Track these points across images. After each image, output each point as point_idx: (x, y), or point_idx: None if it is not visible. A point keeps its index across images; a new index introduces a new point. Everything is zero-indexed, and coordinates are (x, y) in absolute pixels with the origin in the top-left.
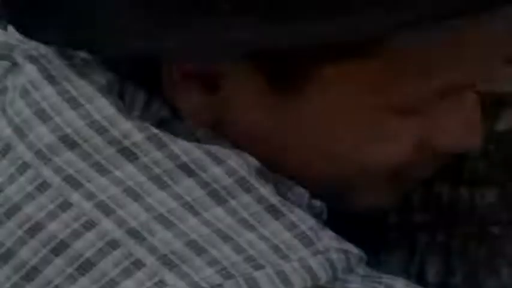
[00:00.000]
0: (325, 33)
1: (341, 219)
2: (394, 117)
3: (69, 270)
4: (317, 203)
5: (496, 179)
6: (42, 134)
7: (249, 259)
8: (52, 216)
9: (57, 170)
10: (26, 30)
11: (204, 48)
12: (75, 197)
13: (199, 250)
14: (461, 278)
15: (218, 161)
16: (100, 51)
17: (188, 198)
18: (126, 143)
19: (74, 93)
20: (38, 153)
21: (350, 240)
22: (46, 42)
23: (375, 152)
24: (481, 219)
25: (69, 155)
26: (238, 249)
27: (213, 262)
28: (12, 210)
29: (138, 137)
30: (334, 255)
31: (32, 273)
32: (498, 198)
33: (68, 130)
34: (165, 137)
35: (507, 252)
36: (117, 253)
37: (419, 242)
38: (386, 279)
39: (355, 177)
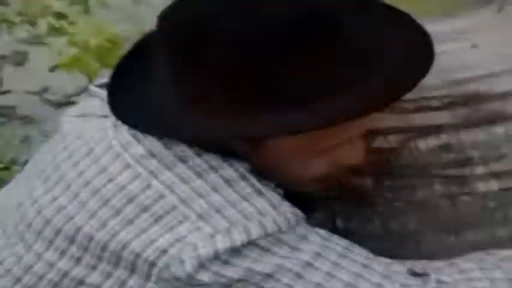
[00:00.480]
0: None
1: (292, 196)
2: (319, 156)
3: (150, 220)
4: (278, 189)
5: (371, 171)
6: (138, 149)
7: (245, 217)
8: (141, 191)
9: (145, 168)
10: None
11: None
12: (154, 182)
13: (218, 211)
14: (356, 224)
15: (229, 164)
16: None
17: (213, 184)
18: (181, 153)
19: None
20: (135, 160)
21: (296, 206)
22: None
23: (308, 174)
24: (365, 194)
25: (151, 161)
26: (239, 211)
27: (225, 217)
28: (119, 189)
29: (188, 151)
30: (289, 215)
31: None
32: (373, 182)
33: (158, 147)
34: (200, 149)
35: (378, 210)
36: (175, 212)
37: (333, 207)
38: (317, 229)
39: (304, 181)
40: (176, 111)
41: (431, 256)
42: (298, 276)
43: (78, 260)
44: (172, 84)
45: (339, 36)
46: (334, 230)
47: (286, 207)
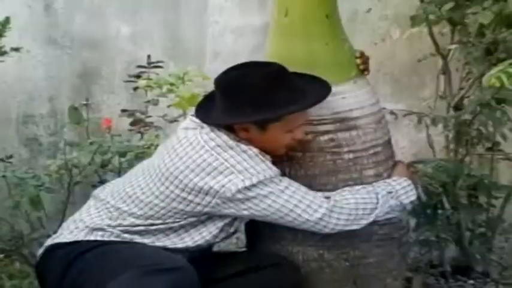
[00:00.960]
0: (275, 116)
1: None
2: (287, 133)
3: (217, 173)
4: (269, 157)
5: (299, 150)
6: (211, 143)
7: (257, 172)
8: (213, 161)
9: (215, 151)
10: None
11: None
12: (219, 157)
13: (246, 170)
14: (294, 171)
15: (249, 148)
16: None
17: (244, 158)
18: (230, 143)
19: (216, 132)
20: (210, 147)
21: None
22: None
23: (284, 143)
24: (296, 159)
25: (217, 148)
26: (255, 170)
27: (249, 172)
28: (203, 160)
29: (231, 142)
30: (275, 171)
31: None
32: (300, 154)
33: (220, 142)
34: (237, 142)
35: (302, 165)
36: (227, 170)
37: (284, 164)
38: (285, 177)
39: (279, 149)
40: (222, 113)
41: (323, 186)
42: (278, 195)
43: (182, 190)
44: (221, 105)
45: (293, 81)
46: (284, 175)
47: (274, 167)
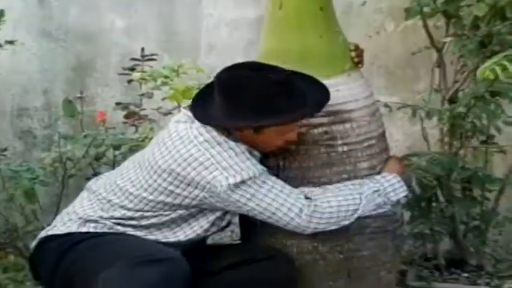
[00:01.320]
0: (273, 123)
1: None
2: (281, 136)
3: (202, 168)
4: (258, 154)
5: (293, 143)
6: (199, 138)
7: (242, 169)
8: (200, 156)
9: (202, 146)
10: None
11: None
12: (206, 152)
13: (231, 167)
14: (287, 164)
15: (237, 145)
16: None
17: (230, 155)
18: (218, 140)
19: (206, 127)
20: (198, 142)
21: (263, 157)
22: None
23: (276, 144)
24: (290, 151)
25: (205, 143)
26: (239, 167)
27: (234, 170)
28: (190, 155)
29: (219, 138)
30: (260, 169)
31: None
32: (294, 147)
33: (208, 137)
34: (226, 138)
35: (296, 158)
36: (213, 166)
37: (278, 157)
38: (270, 175)
39: (270, 148)
40: (223, 115)
41: (317, 178)
42: (261, 199)
43: (170, 183)
44: (221, 105)
45: (295, 86)
46: (278, 166)
47: (260, 165)
